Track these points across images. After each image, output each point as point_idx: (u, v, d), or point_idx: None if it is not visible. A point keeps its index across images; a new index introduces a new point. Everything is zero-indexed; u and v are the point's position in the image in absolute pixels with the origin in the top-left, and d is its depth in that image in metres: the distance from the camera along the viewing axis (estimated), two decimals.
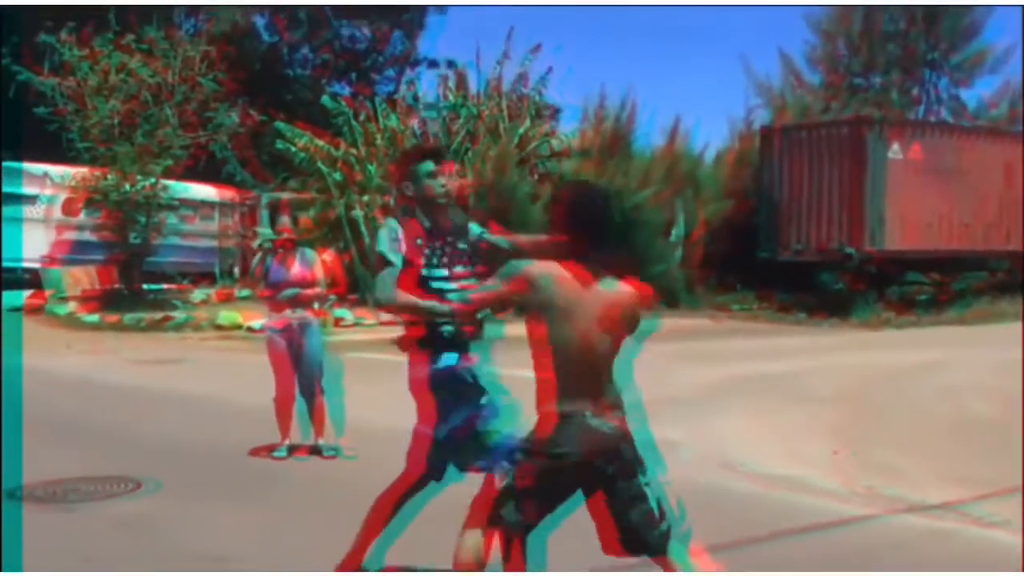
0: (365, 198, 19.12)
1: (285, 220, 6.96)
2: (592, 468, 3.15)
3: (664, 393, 9.30)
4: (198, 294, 18.63)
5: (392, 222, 3.92)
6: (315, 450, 6.60)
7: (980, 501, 5.76)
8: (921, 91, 30.94)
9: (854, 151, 18.26)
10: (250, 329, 15.59)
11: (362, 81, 27.68)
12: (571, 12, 44.89)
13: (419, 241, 3.84)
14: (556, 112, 22.64)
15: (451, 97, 20.83)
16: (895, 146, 18.57)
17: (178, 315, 16.49)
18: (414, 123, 20.40)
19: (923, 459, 6.86)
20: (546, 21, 44.21)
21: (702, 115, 53.38)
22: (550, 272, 3.17)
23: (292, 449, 6.64)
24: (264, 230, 21.77)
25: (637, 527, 3.20)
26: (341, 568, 4.01)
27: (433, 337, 3.85)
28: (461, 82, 21.38)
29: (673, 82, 47.14)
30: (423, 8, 28.68)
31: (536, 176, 19.92)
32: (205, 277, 20.49)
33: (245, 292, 19.19)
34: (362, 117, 20.36)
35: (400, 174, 4.06)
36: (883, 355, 12.93)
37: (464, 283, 3.85)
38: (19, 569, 4.37)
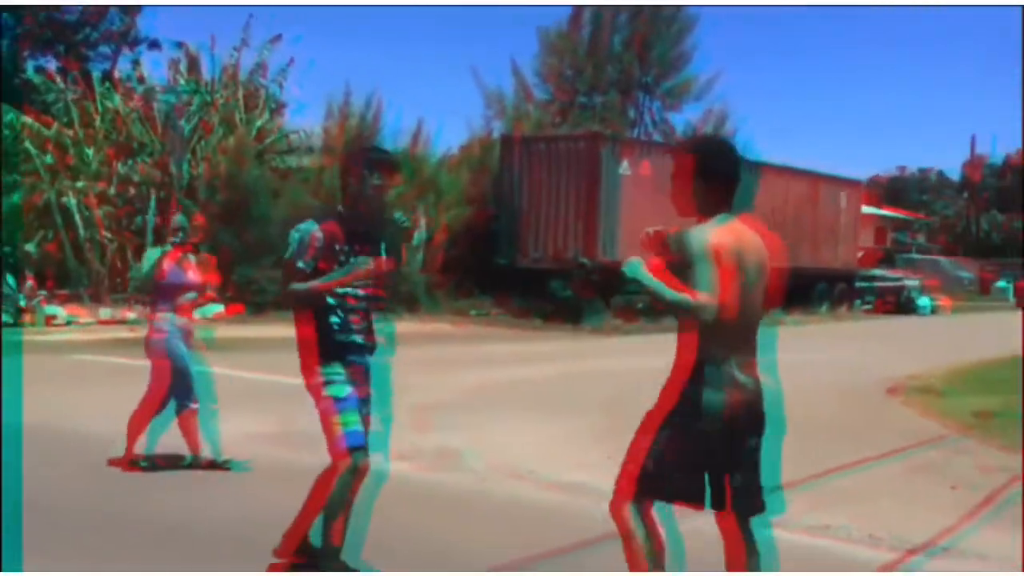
0: (79, 184, 17.31)
1: (178, 219, 6.40)
2: (739, 422, 3.10)
3: (429, 399, 9.09)
4: None
5: (310, 225, 3.80)
6: (211, 464, 6.13)
7: None
8: (637, 113, 33.17)
9: (590, 165, 19.09)
10: None
11: (71, 55, 25.11)
12: (313, 6, 43.65)
13: (336, 247, 3.82)
14: (282, 106, 21.81)
15: (182, 81, 19.41)
16: (625, 163, 19.64)
17: None
18: (139, 105, 18.77)
19: None
20: (286, 13, 42.71)
21: (443, 120, 54.55)
22: (733, 235, 3.11)
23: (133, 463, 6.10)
24: None
25: (738, 488, 3.17)
26: (281, 549, 4.03)
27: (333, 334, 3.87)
28: (193, 66, 20.00)
29: (414, 85, 47.34)
30: None
31: (273, 171, 19.02)
32: None
33: None
34: (76, 95, 18.45)
35: (348, 167, 3.94)
36: (623, 360, 13.47)
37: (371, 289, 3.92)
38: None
